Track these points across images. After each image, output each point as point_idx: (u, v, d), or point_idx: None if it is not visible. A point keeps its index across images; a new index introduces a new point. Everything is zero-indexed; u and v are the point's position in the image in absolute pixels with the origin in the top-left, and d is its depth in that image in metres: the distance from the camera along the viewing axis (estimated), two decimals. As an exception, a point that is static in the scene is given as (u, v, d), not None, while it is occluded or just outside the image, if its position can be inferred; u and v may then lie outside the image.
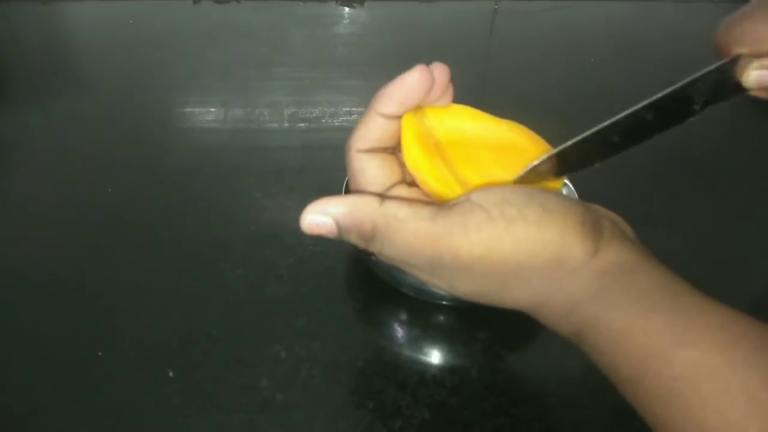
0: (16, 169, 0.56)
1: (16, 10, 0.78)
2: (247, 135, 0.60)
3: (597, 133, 0.26)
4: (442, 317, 0.43)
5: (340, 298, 0.44)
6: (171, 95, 0.66)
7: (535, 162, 0.27)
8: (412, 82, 0.26)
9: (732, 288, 0.46)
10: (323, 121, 0.62)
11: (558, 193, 0.25)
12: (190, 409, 0.37)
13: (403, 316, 0.43)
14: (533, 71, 0.69)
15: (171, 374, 0.39)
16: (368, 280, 0.44)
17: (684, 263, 0.40)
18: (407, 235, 0.23)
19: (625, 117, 0.26)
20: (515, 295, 0.25)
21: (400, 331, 0.43)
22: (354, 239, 0.24)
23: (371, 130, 0.27)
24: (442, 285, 0.25)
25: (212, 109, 0.63)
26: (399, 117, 0.27)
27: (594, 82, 0.68)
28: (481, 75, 0.69)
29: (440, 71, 0.27)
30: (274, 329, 0.42)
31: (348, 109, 0.63)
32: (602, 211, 0.26)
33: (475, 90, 0.64)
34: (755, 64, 0.24)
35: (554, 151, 0.27)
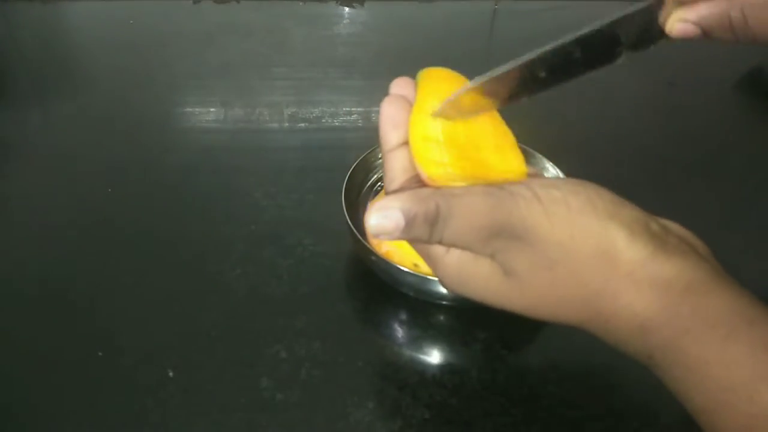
0: (16, 169, 0.56)
1: (16, 10, 0.78)
2: (247, 135, 0.60)
3: (523, 66, 0.26)
4: (442, 317, 0.43)
5: (340, 298, 0.44)
6: (171, 95, 0.66)
7: (457, 92, 0.27)
8: (389, 114, 0.27)
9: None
10: (323, 121, 0.62)
11: (617, 199, 0.25)
12: (190, 409, 0.37)
13: (403, 316, 0.43)
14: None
15: (171, 374, 0.39)
16: (368, 280, 0.44)
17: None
18: (465, 210, 0.24)
19: (552, 51, 0.26)
20: (568, 293, 0.24)
21: (400, 331, 0.43)
22: (419, 226, 0.24)
23: (393, 168, 0.28)
24: (498, 274, 0.25)
25: (212, 109, 0.63)
26: (406, 142, 0.28)
27: (594, 81, 0.68)
28: (481, 74, 0.69)
29: (403, 86, 0.28)
30: (274, 329, 0.42)
31: (348, 109, 0.63)
32: (672, 226, 0.25)
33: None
34: (676, 15, 0.24)
35: (475, 82, 0.27)
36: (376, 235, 0.24)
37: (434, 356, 0.41)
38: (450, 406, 0.38)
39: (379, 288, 0.44)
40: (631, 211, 0.24)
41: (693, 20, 0.24)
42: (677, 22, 0.24)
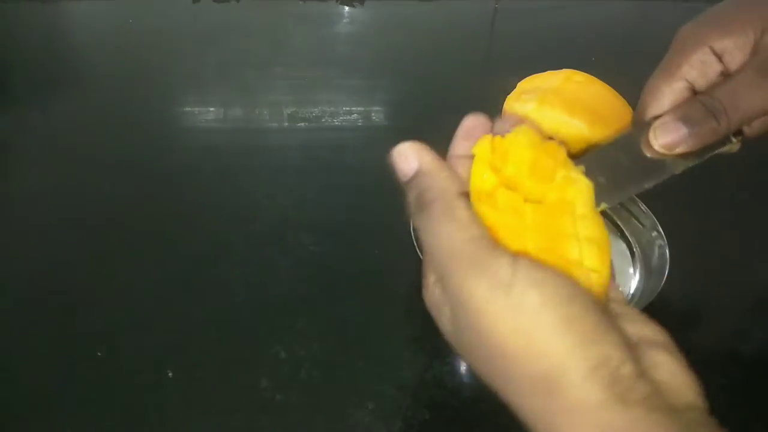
0: (16, 169, 0.56)
1: (16, 10, 0.78)
2: (247, 135, 0.60)
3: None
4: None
5: (340, 298, 0.44)
6: (171, 95, 0.66)
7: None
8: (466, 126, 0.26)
9: (733, 288, 0.46)
10: (323, 120, 0.62)
11: (603, 326, 0.20)
12: (190, 409, 0.37)
13: (403, 317, 0.43)
14: (533, 70, 0.69)
15: (171, 374, 0.39)
16: (368, 280, 0.44)
17: (684, 263, 0.40)
18: (444, 233, 0.22)
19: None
20: (506, 386, 0.22)
21: (400, 332, 0.43)
22: (410, 194, 0.24)
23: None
24: (446, 315, 0.24)
25: (212, 109, 0.63)
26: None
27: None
28: (481, 74, 0.69)
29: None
30: (274, 329, 0.42)
31: (348, 108, 0.63)
32: (660, 369, 0.21)
33: (475, 89, 0.63)
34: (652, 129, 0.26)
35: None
36: (393, 160, 0.24)
37: (435, 356, 0.41)
38: (450, 406, 0.38)
39: (378, 288, 0.44)
40: (606, 347, 0.20)
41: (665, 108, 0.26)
42: (653, 133, 0.27)
